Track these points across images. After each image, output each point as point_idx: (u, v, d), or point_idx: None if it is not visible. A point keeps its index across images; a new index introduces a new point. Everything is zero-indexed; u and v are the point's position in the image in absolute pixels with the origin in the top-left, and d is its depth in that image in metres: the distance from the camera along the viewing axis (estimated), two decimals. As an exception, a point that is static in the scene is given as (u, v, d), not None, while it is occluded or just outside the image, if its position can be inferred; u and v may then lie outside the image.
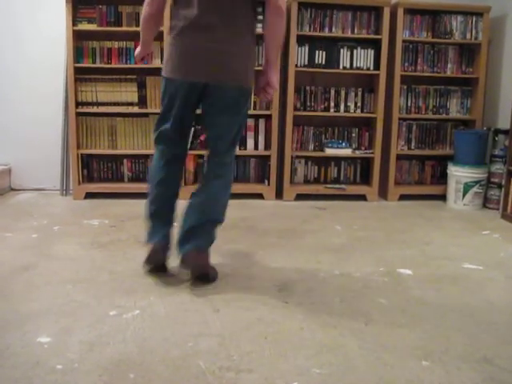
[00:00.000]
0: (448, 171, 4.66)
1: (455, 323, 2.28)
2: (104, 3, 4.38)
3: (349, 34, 4.59)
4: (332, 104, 4.76)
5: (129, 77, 4.50)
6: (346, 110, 4.77)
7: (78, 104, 4.47)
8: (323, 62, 4.62)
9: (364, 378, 1.82)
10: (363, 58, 4.64)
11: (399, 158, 4.86)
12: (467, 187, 4.48)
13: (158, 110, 4.52)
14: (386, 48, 4.57)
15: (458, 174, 4.52)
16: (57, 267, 2.83)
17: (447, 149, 4.91)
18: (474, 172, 4.47)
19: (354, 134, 4.87)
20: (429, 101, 4.83)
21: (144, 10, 2.57)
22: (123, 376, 1.79)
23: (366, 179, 4.95)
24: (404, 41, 4.62)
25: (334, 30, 4.58)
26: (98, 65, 4.46)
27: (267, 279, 2.73)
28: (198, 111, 2.68)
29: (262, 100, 4.31)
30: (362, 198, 4.75)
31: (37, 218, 3.81)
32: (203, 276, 2.66)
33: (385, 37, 4.55)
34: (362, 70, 4.66)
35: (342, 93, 4.75)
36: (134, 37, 4.41)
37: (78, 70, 4.44)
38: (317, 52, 4.60)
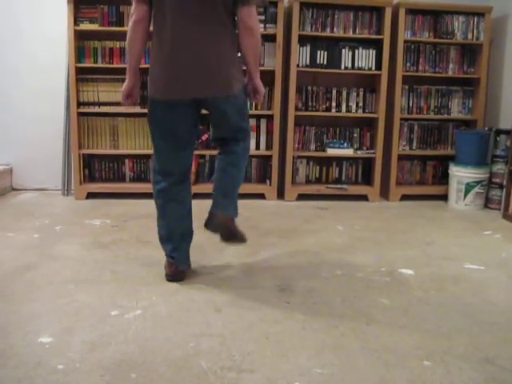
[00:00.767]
0: (449, 171, 4.65)
1: (457, 323, 2.28)
2: (105, 3, 4.38)
3: (350, 34, 4.59)
4: (334, 104, 4.75)
5: (130, 77, 4.49)
6: (348, 110, 4.77)
7: (79, 104, 4.47)
8: (325, 62, 4.62)
9: (365, 377, 1.82)
10: (365, 58, 4.63)
11: (401, 158, 4.85)
12: (469, 187, 4.48)
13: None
14: (387, 48, 4.57)
15: (460, 174, 4.52)
16: (58, 267, 2.84)
17: (449, 149, 4.90)
18: (476, 172, 4.47)
19: (355, 134, 4.87)
20: (430, 101, 4.83)
21: (129, 23, 2.57)
22: (125, 376, 1.79)
23: (367, 179, 4.95)
24: (406, 41, 4.62)
25: (335, 30, 4.58)
26: (99, 65, 4.46)
27: (269, 279, 2.73)
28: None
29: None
30: (364, 198, 4.74)
31: (38, 218, 3.82)
32: (232, 236, 2.67)
33: (386, 37, 4.55)
34: (364, 70, 4.66)
35: (344, 93, 4.75)
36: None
37: (79, 70, 4.44)
38: (318, 52, 4.60)
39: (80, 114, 4.50)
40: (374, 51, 4.63)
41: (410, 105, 4.80)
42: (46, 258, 2.97)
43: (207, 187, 4.60)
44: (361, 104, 4.78)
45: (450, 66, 4.77)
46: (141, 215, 3.95)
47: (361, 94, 4.76)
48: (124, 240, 3.35)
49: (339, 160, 4.93)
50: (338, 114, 4.77)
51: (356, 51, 4.62)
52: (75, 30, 4.32)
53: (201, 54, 2.46)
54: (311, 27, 4.55)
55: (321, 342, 2.07)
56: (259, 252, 3.15)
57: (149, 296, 2.47)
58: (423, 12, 4.65)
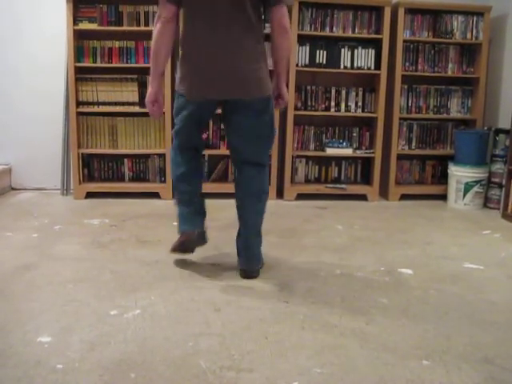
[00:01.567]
0: (449, 171, 4.66)
1: (456, 323, 2.28)
2: (105, 2, 4.38)
3: (350, 34, 4.59)
4: (333, 104, 4.75)
5: (129, 76, 4.50)
6: (347, 109, 4.77)
7: (78, 103, 4.47)
8: (324, 62, 4.62)
9: (365, 377, 1.82)
10: (364, 58, 4.63)
11: (400, 157, 4.85)
12: (468, 187, 4.48)
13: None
14: (386, 48, 4.57)
15: (459, 173, 4.52)
16: (58, 267, 2.83)
17: (448, 148, 4.90)
18: (475, 172, 4.47)
19: (354, 134, 4.87)
20: (429, 100, 4.83)
21: (157, 24, 2.54)
22: (124, 376, 1.79)
23: (366, 179, 4.95)
24: (405, 40, 4.62)
25: (334, 29, 4.58)
26: (98, 64, 4.46)
27: (268, 279, 2.73)
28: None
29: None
30: (363, 197, 4.74)
31: (37, 218, 3.81)
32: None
33: (386, 36, 4.55)
34: (363, 69, 4.66)
35: (343, 92, 4.75)
36: (134, 36, 4.43)
37: (78, 70, 4.44)
38: (318, 51, 4.60)
39: (79, 114, 4.50)
40: (373, 51, 4.63)
41: (409, 104, 4.80)
42: (45, 258, 2.97)
43: (208, 187, 4.63)
44: (360, 103, 4.78)
45: (450, 65, 4.77)
46: (140, 215, 3.94)
47: (360, 93, 4.76)
48: (123, 239, 3.35)
49: (338, 159, 4.93)
50: (337, 114, 4.77)
51: (355, 51, 4.62)
52: (74, 30, 4.32)
53: (229, 55, 2.49)
54: (310, 27, 4.55)
55: (320, 342, 2.07)
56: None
57: (148, 295, 2.47)
58: (422, 11, 4.65)
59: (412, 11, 4.63)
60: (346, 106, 4.77)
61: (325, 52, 4.61)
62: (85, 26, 4.37)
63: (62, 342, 2.02)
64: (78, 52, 4.42)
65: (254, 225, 2.75)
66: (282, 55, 2.61)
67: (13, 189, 4.79)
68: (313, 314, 2.33)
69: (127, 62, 4.46)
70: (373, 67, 4.65)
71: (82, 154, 4.63)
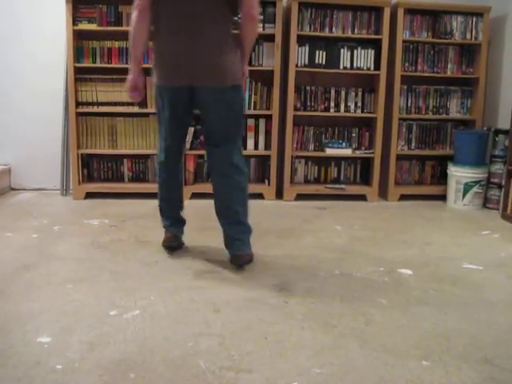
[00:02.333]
0: (448, 171, 4.66)
1: (455, 323, 2.28)
2: (104, 3, 4.38)
3: (349, 34, 4.59)
4: (332, 104, 4.75)
5: (129, 77, 4.49)
6: (347, 110, 4.77)
7: (78, 104, 4.47)
8: (323, 62, 4.62)
9: (364, 377, 1.82)
10: (363, 58, 4.64)
11: (399, 158, 4.85)
12: (467, 187, 4.48)
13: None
14: (386, 48, 4.57)
15: (458, 174, 4.52)
16: (57, 267, 2.84)
17: (447, 149, 4.90)
18: (474, 172, 4.47)
19: (354, 134, 4.87)
20: (429, 101, 4.83)
21: (134, 12, 2.64)
22: (124, 376, 1.79)
23: (366, 179, 4.95)
24: (404, 41, 4.62)
25: (334, 30, 4.58)
26: (98, 64, 4.46)
27: (268, 279, 2.73)
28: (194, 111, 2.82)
29: None
30: (362, 198, 4.75)
31: (37, 218, 3.81)
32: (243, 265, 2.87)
33: (385, 37, 4.55)
34: (363, 70, 4.66)
35: (343, 93, 4.75)
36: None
37: (78, 70, 4.44)
38: (317, 52, 4.60)
39: (79, 114, 4.50)
40: (373, 51, 4.63)
41: (409, 105, 4.81)
42: (45, 258, 2.97)
43: (207, 187, 4.63)
44: (359, 104, 4.78)
45: (449, 65, 4.77)
46: (139, 215, 3.95)
47: (359, 93, 4.76)
48: (122, 240, 3.35)
49: (338, 160, 4.93)
50: (337, 114, 4.77)
51: (355, 51, 4.62)
52: (74, 30, 4.32)
53: (200, 43, 2.59)
54: (310, 27, 4.55)
55: (320, 342, 2.07)
56: (258, 252, 3.14)
57: (147, 296, 2.47)
58: (422, 12, 4.65)
59: (411, 11, 4.63)
60: (346, 106, 4.77)
61: (324, 52, 4.61)
62: (84, 26, 4.37)
63: (61, 342, 2.02)
64: (78, 52, 4.42)
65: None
66: (247, 41, 2.75)
67: (12, 189, 4.79)
68: (312, 314, 2.33)
69: (127, 63, 4.45)
70: (372, 67, 4.65)
71: (82, 154, 4.63)
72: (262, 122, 4.68)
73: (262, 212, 4.20)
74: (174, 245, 3.08)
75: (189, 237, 3.23)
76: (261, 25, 4.42)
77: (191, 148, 4.59)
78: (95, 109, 4.51)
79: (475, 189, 4.48)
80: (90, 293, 2.50)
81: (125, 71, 4.42)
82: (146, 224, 3.71)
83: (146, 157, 4.72)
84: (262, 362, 1.90)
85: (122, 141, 4.62)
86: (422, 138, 4.89)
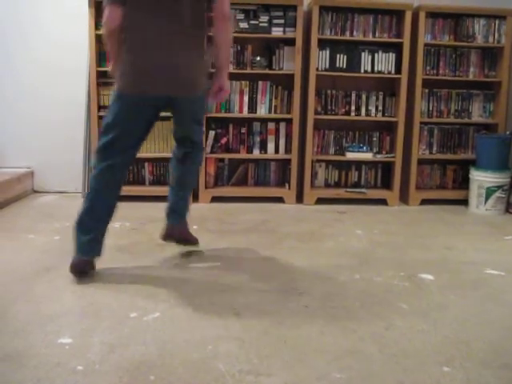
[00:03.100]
0: (470, 176, 4.61)
1: (477, 329, 2.26)
2: (126, 7, 4.41)
3: (370, 38, 4.58)
4: (353, 108, 4.74)
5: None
6: (367, 113, 4.76)
7: (100, 107, 4.51)
8: (344, 66, 4.61)
9: (384, 382, 1.81)
10: (384, 62, 4.62)
11: (420, 162, 4.82)
12: (490, 192, 4.44)
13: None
14: (407, 52, 4.55)
15: (480, 178, 4.48)
16: (78, 269, 2.86)
17: (469, 153, 4.86)
18: (497, 177, 4.43)
19: (374, 138, 4.85)
20: (451, 105, 4.80)
21: (105, 6, 2.54)
22: (143, 378, 1.80)
23: (386, 183, 4.93)
24: (426, 44, 4.60)
25: (355, 33, 4.57)
26: (120, 69, 4.49)
27: (287, 283, 2.73)
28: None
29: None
30: (383, 202, 4.72)
31: (59, 220, 3.85)
32: (186, 242, 3.12)
33: (406, 40, 4.53)
34: (384, 73, 4.64)
35: (363, 97, 4.74)
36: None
37: (100, 74, 4.48)
38: (338, 56, 4.59)
39: (100, 118, 4.53)
40: (394, 55, 4.61)
41: (430, 108, 4.77)
42: (66, 260, 2.99)
43: (228, 191, 4.64)
44: (380, 108, 4.76)
45: (471, 69, 4.73)
46: (160, 218, 3.94)
47: (380, 97, 4.74)
48: (143, 242, 3.37)
49: (358, 164, 4.91)
50: (358, 118, 4.76)
51: (375, 55, 4.61)
52: (96, 35, 4.36)
53: (174, 52, 2.55)
54: (331, 31, 4.54)
55: (339, 347, 2.06)
56: (278, 255, 3.15)
57: (167, 298, 2.48)
58: (443, 15, 4.62)
59: (433, 15, 4.61)
60: (367, 110, 4.75)
61: (345, 56, 4.60)
62: (106, 30, 4.41)
63: (82, 343, 2.03)
64: (100, 56, 4.46)
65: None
66: (224, 44, 2.69)
67: (35, 192, 4.85)
68: (332, 318, 2.32)
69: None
70: (393, 71, 4.63)
71: (103, 157, 4.65)
72: (282, 126, 4.68)
73: (282, 216, 4.20)
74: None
75: (208, 240, 3.24)
76: (281, 29, 4.44)
77: (212, 152, 4.60)
78: (117, 112, 4.54)
79: (498, 193, 4.44)
80: (110, 295, 2.51)
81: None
82: (167, 227, 3.72)
83: (167, 160, 4.72)
84: (281, 366, 1.90)
85: (143, 144, 4.62)
86: (443, 142, 4.85)
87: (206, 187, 4.58)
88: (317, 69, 4.56)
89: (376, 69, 4.63)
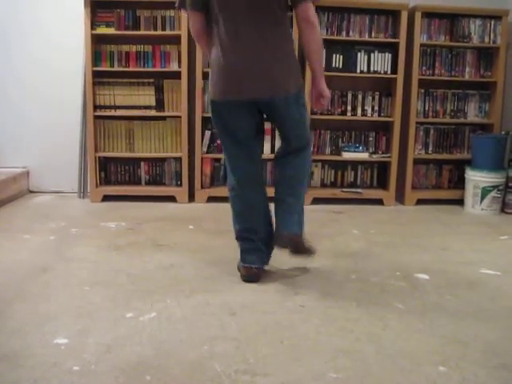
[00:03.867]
0: (466, 176, 4.62)
1: (473, 329, 2.26)
2: (122, 7, 4.41)
3: (366, 38, 4.59)
4: (349, 108, 4.74)
5: (146, 80, 4.53)
6: (363, 113, 4.76)
7: (95, 107, 4.50)
8: (340, 66, 4.62)
9: (380, 382, 1.82)
10: (380, 62, 4.62)
11: (416, 162, 4.83)
12: (485, 192, 4.44)
13: (175, 113, 4.55)
14: (403, 52, 4.56)
15: (476, 178, 4.48)
16: (74, 269, 2.85)
17: (465, 153, 4.87)
18: (492, 176, 4.43)
19: (371, 138, 4.86)
20: (446, 105, 4.80)
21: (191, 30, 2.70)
22: (140, 378, 1.80)
23: (382, 183, 4.93)
24: (422, 44, 4.60)
25: (351, 33, 4.57)
26: (115, 68, 4.49)
27: (283, 283, 2.73)
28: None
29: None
30: (379, 202, 4.73)
31: (55, 220, 3.84)
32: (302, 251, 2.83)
33: (402, 40, 4.53)
34: (380, 73, 4.64)
35: (359, 97, 4.74)
36: (151, 41, 4.46)
37: (96, 74, 4.47)
38: (334, 56, 4.59)
39: (96, 118, 4.53)
40: (390, 55, 4.61)
41: (426, 108, 4.78)
42: (62, 260, 2.99)
43: (224, 190, 4.63)
44: (376, 108, 4.76)
45: (467, 69, 4.74)
46: (156, 218, 3.96)
47: (376, 97, 4.75)
48: (139, 242, 3.37)
49: (354, 164, 4.91)
50: (354, 118, 4.76)
51: (372, 55, 4.61)
52: (92, 34, 4.36)
53: (256, 55, 2.52)
54: (327, 31, 4.55)
55: (336, 347, 2.06)
56: (274, 255, 3.14)
57: (163, 299, 2.48)
58: (439, 15, 4.63)
59: (429, 15, 4.61)
60: (363, 110, 4.75)
61: (341, 56, 4.60)
62: (102, 30, 4.41)
63: (78, 343, 2.03)
64: (96, 56, 4.46)
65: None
66: (312, 50, 2.64)
67: (30, 192, 4.84)
68: (328, 318, 2.32)
69: (144, 66, 4.50)
70: (389, 71, 4.64)
71: (99, 157, 4.65)
72: (278, 126, 4.67)
73: (278, 216, 4.19)
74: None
75: (204, 240, 3.23)
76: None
77: (208, 152, 4.60)
78: (113, 112, 4.55)
79: (493, 193, 4.44)
80: (106, 295, 2.51)
81: (142, 75, 4.51)
82: (163, 227, 3.72)
83: (163, 160, 4.73)
84: (277, 366, 1.90)
85: (139, 144, 4.64)
86: (439, 142, 4.86)
87: (202, 187, 4.57)
88: (313, 69, 4.55)
89: (372, 69, 4.64)
